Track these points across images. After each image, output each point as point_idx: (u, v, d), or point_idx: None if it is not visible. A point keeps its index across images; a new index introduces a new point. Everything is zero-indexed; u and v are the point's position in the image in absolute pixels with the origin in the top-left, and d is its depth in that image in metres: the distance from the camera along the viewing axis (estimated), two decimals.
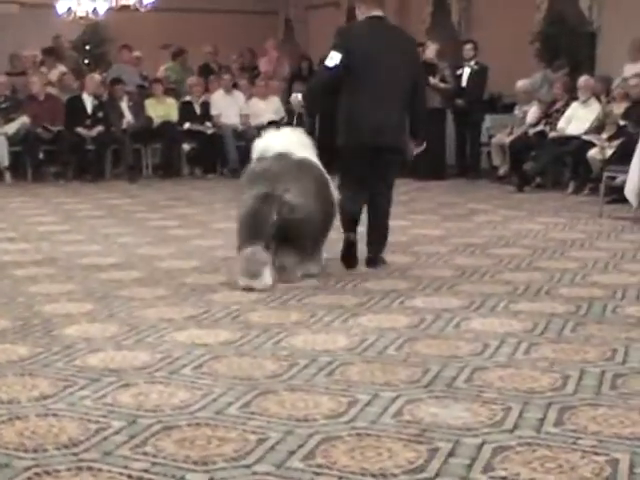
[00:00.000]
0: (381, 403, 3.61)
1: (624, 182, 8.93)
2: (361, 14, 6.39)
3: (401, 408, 3.56)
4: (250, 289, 5.63)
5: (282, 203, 5.73)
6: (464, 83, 12.77)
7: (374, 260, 6.45)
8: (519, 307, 5.28)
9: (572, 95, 11.72)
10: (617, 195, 9.52)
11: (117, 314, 5.09)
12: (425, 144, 6.66)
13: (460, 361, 4.19)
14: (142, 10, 16.21)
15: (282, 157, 5.99)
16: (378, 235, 6.49)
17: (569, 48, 12.97)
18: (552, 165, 11.53)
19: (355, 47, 6.17)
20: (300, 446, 3.17)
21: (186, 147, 13.42)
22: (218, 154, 13.55)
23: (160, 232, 8.12)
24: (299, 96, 6.57)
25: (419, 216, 9.13)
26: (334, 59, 6.15)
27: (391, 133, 6.24)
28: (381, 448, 3.15)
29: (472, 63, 12.83)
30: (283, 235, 5.75)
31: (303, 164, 6.02)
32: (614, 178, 9.45)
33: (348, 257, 6.39)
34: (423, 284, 5.91)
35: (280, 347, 4.43)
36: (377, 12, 6.32)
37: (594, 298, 5.49)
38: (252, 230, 5.75)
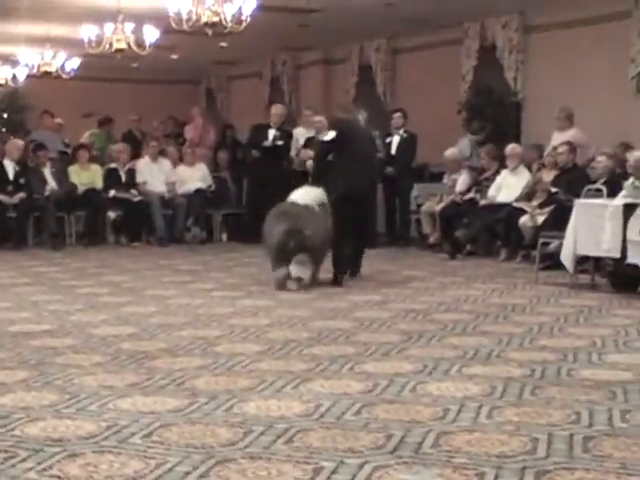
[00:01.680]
0: (348, 470, 3.40)
1: (558, 248, 8.95)
2: (340, 114, 9.78)
3: (370, 475, 3.36)
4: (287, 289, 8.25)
5: (301, 235, 8.15)
6: (393, 151, 12.78)
7: (355, 273, 9.19)
8: (473, 371, 5.14)
9: (502, 163, 11.82)
10: (550, 261, 9.53)
11: (54, 382, 4.79)
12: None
13: (423, 426, 4.01)
14: (64, 77, 15.96)
15: (294, 205, 8.61)
16: (358, 257, 9.27)
17: (496, 118, 13.15)
18: (483, 232, 11.53)
19: (344, 133, 9.11)
20: None
21: (111, 215, 13.09)
22: (144, 222, 13.26)
23: (90, 299, 7.80)
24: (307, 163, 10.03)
25: (356, 281, 9.00)
26: (330, 137, 9.18)
27: (367, 186, 9.26)
28: None
29: (401, 131, 12.87)
30: (301, 255, 8.26)
31: (309, 208, 8.54)
32: (548, 244, 9.46)
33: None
34: (371, 349, 5.74)
35: (232, 414, 4.19)
36: (348, 115, 9.78)
37: (547, 362, 5.38)
38: (281, 255, 8.30)
